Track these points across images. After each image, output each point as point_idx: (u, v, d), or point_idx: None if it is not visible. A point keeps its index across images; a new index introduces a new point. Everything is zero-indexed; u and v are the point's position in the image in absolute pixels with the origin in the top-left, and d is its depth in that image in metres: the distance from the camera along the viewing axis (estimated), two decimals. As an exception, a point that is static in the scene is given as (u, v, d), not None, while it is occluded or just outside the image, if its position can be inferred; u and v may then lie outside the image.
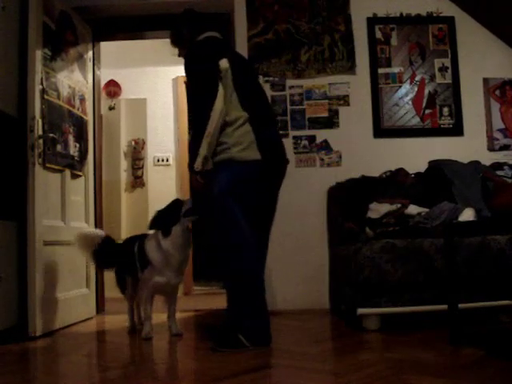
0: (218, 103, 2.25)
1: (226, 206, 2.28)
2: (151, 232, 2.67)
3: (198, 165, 2.26)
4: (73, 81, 3.42)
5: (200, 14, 2.69)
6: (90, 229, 3.44)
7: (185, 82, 2.43)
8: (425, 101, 3.75)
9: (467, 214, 2.90)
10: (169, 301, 2.71)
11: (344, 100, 3.73)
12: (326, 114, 3.71)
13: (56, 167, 3.11)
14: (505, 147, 3.77)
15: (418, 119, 3.74)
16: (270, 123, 2.52)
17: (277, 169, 2.47)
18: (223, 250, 2.34)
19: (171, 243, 2.53)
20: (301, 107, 3.71)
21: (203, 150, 2.24)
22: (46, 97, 3.00)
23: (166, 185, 5.21)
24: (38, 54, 2.96)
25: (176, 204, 2.62)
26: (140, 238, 2.73)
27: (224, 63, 2.32)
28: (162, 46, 5.08)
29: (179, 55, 2.67)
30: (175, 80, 5.35)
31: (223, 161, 2.31)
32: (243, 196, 2.30)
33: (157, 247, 2.56)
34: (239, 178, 2.30)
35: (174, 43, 2.69)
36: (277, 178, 2.50)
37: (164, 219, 2.58)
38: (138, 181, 5.18)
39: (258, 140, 2.31)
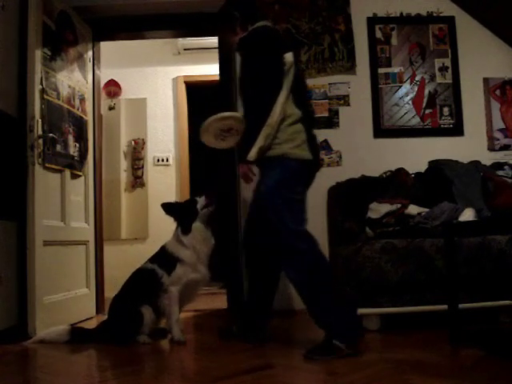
0: (282, 97, 2.21)
1: (274, 204, 2.23)
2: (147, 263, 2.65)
3: (252, 154, 2.20)
4: (73, 81, 3.41)
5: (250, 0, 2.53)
6: None
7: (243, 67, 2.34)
8: (425, 101, 3.75)
9: (467, 214, 2.90)
10: (190, 299, 2.72)
11: (344, 100, 3.73)
12: (326, 114, 3.71)
13: (56, 167, 3.11)
14: (505, 147, 3.76)
15: (418, 119, 3.74)
16: (313, 125, 2.50)
17: (316, 170, 2.44)
18: (285, 252, 2.27)
19: (194, 239, 2.59)
20: (301, 107, 3.70)
21: (260, 141, 2.19)
22: (45, 97, 3.00)
23: (165, 185, 5.21)
24: (38, 54, 2.96)
25: (191, 202, 2.69)
26: (144, 266, 2.65)
27: (289, 57, 2.26)
28: (162, 45, 5.13)
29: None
30: (175, 80, 5.35)
31: (276, 156, 2.25)
32: (291, 192, 2.25)
33: (182, 245, 2.59)
34: (290, 175, 2.25)
35: (222, 26, 2.54)
36: (313, 178, 2.45)
37: (182, 215, 2.64)
38: (137, 181, 5.17)
39: (308, 140, 2.29)
